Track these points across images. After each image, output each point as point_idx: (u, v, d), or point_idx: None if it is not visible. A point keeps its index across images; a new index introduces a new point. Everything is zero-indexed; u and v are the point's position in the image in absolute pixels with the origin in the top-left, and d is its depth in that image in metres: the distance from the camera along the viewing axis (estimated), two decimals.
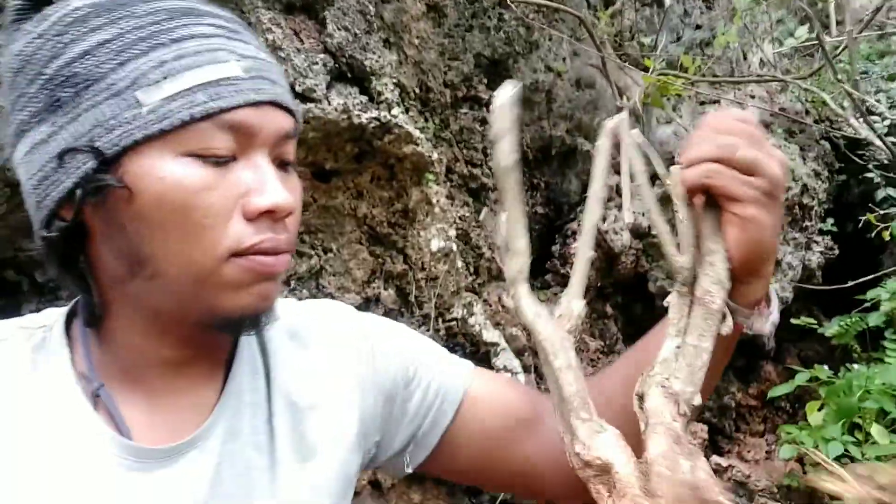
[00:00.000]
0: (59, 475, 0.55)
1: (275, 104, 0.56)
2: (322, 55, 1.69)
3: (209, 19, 0.56)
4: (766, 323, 0.61)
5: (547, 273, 2.91)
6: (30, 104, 0.54)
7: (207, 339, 0.61)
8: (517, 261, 0.55)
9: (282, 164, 0.59)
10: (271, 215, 0.55)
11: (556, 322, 0.53)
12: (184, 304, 0.56)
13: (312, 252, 1.79)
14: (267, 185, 0.55)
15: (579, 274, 0.56)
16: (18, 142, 0.56)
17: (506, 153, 0.52)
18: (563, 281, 2.89)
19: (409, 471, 0.74)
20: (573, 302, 0.54)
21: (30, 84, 0.54)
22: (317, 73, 1.65)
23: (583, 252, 0.57)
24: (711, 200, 0.56)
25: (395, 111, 1.76)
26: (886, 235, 2.51)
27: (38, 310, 0.65)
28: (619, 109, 1.54)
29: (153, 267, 0.54)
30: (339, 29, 1.73)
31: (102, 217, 0.55)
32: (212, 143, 0.53)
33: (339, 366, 0.70)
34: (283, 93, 0.58)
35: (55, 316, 0.62)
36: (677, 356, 0.54)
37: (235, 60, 0.54)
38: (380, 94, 1.78)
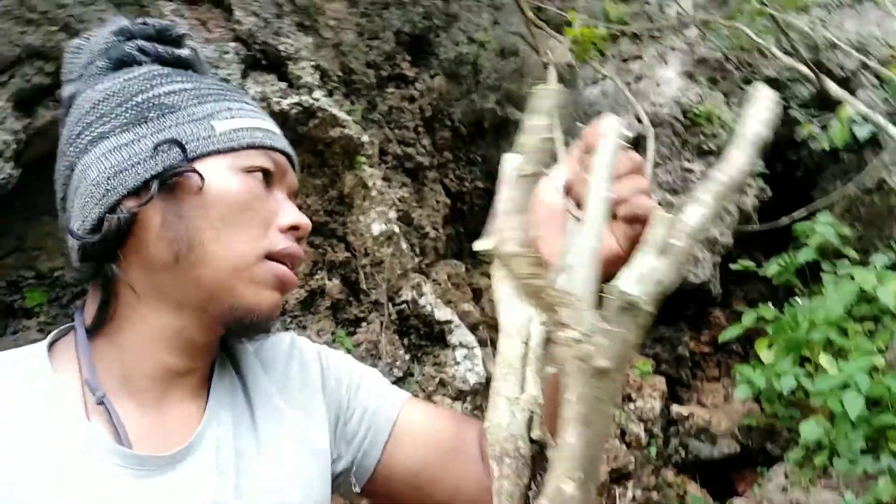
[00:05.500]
0: (64, 484, 0.59)
1: (290, 159, 0.73)
2: (233, 44, 1.62)
3: (248, 97, 0.76)
4: None
5: None
6: (114, 119, 0.67)
7: (205, 348, 0.69)
8: None
9: None
10: (296, 231, 0.69)
11: None
12: (214, 293, 0.65)
13: None
14: (292, 211, 0.70)
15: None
16: (91, 148, 0.66)
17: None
18: None
19: (357, 490, 0.78)
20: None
21: (116, 107, 0.67)
22: (229, 63, 1.58)
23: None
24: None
25: (317, 94, 1.70)
26: (824, 144, 2.58)
27: None
28: (546, 66, 1.51)
29: (200, 253, 0.64)
30: (247, 15, 1.66)
31: (165, 206, 0.65)
32: (261, 164, 0.68)
33: (301, 386, 0.77)
34: (296, 160, 0.74)
35: (36, 347, 0.67)
36: None
37: (271, 127, 0.72)
38: (299, 78, 1.72)
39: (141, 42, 0.72)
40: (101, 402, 0.63)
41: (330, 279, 1.84)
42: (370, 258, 1.93)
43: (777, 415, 2.34)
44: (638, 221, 0.58)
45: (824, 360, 2.13)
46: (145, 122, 0.67)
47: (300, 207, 2.04)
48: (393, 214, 2.04)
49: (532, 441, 0.47)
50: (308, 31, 1.90)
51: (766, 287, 2.91)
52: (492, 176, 3.06)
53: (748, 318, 2.45)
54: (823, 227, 2.52)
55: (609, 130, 0.51)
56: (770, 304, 2.54)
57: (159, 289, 0.66)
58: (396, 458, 0.77)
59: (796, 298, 2.59)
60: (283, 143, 0.73)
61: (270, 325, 0.69)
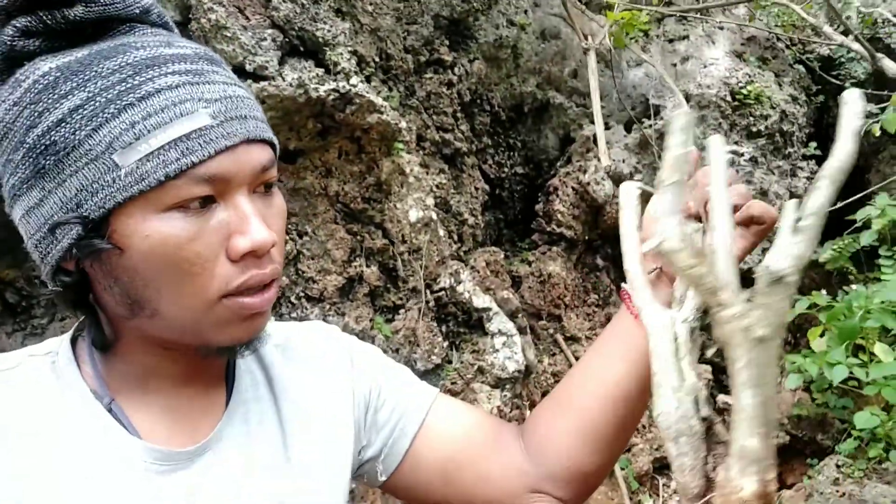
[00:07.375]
0: (92, 481, 0.59)
1: (248, 141, 0.58)
2: (270, 30, 1.62)
3: (173, 66, 0.58)
4: None
5: (533, 233, 2.86)
6: (17, 171, 0.57)
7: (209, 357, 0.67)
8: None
9: (266, 187, 0.62)
10: (254, 254, 0.59)
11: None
12: (183, 336, 0.61)
13: (287, 237, 1.73)
14: (246, 224, 0.58)
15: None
16: (15, 204, 0.59)
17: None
18: (550, 239, 2.84)
19: (383, 479, 0.78)
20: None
21: (14, 151, 0.57)
22: (266, 50, 1.58)
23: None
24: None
25: (354, 80, 1.69)
26: (876, 131, 2.45)
27: (14, 331, 0.65)
28: (586, 52, 1.46)
29: (151, 309, 0.59)
30: (284, 1, 1.66)
31: (99, 270, 0.59)
32: (190, 195, 0.56)
33: (329, 374, 0.76)
34: (256, 126, 0.60)
35: (59, 342, 0.66)
36: None
37: (203, 108, 0.57)
38: (336, 64, 1.71)
39: (23, 21, 0.57)
40: (109, 409, 0.62)
41: (368, 266, 1.84)
42: (408, 245, 1.92)
43: (829, 405, 2.25)
44: (755, 222, 0.68)
45: (879, 348, 2.04)
46: (45, 173, 0.56)
47: (337, 195, 2.02)
48: (430, 201, 2.03)
49: (703, 419, 0.54)
50: (345, 16, 1.89)
51: (817, 274, 2.81)
52: (531, 161, 3.02)
53: (801, 305, 2.37)
54: (891, 209, 2.40)
55: (717, 146, 0.60)
56: (823, 291, 2.45)
57: (137, 329, 0.62)
58: (425, 449, 0.77)
59: (851, 286, 2.49)
60: (220, 136, 0.56)
61: (255, 344, 0.64)
